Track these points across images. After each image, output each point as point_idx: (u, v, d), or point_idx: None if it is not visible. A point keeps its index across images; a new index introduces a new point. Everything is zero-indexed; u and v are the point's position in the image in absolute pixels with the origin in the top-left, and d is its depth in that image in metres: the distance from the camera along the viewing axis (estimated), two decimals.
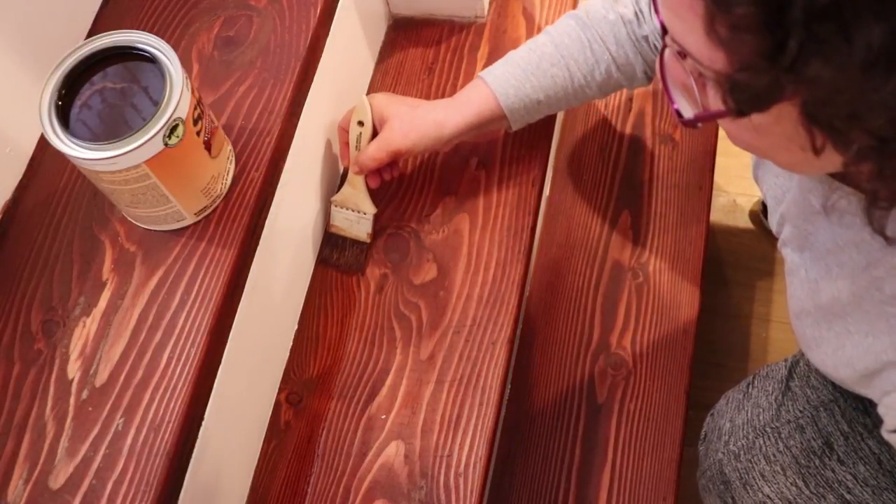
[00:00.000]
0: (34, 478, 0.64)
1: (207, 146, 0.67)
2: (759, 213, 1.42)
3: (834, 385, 0.81)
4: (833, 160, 0.47)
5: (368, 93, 1.06)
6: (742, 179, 1.47)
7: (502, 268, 0.92)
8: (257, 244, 0.76)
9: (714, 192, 1.30)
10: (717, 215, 1.44)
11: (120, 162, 0.61)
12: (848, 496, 0.77)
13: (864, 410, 0.79)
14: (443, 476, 0.83)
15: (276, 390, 0.91)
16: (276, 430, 0.89)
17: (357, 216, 0.93)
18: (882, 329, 0.59)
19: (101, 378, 0.67)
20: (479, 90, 0.87)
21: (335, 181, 1.00)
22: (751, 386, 0.87)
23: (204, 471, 0.73)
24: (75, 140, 0.61)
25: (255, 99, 0.76)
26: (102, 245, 0.72)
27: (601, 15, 0.85)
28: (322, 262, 0.96)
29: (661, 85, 0.58)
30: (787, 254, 0.71)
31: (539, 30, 1.06)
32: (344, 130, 0.91)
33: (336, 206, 0.94)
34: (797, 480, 0.80)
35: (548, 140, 0.99)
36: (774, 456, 0.83)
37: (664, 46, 0.52)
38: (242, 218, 0.71)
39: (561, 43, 0.85)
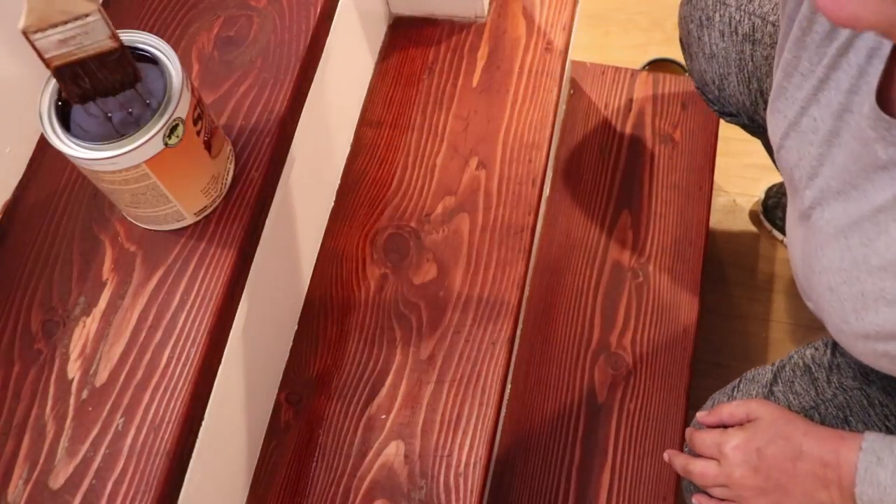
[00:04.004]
0: (34, 478, 0.64)
1: (207, 146, 0.67)
2: (759, 213, 1.42)
3: (817, 391, 0.82)
4: None
5: (368, 93, 1.06)
6: (742, 179, 1.47)
7: (502, 268, 0.92)
8: (257, 244, 0.76)
9: (714, 192, 1.30)
10: (717, 215, 1.44)
11: (120, 162, 0.61)
12: None
13: (843, 419, 0.79)
14: (443, 476, 0.83)
15: (276, 390, 0.91)
16: (276, 430, 0.89)
17: (80, 26, 0.57)
18: None
19: (101, 378, 0.67)
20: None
21: (335, 181, 1.00)
22: (735, 389, 0.87)
23: (204, 471, 0.73)
24: (75, 140, 0.61)
25: (255, 99, 0.76)
26: (102, 245, 0.72)
27: None
28: (79, 98, 0.61)
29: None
30: (819, 221, 0.69)
31: (539, 30, 1.06)
32: None
33: (33, 32, 0.56)
34: None
35: (548, 140, 0.99)
36: None
37: None
38: (242, 218, 0.71)
39: None
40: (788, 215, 0.80)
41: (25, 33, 0.56)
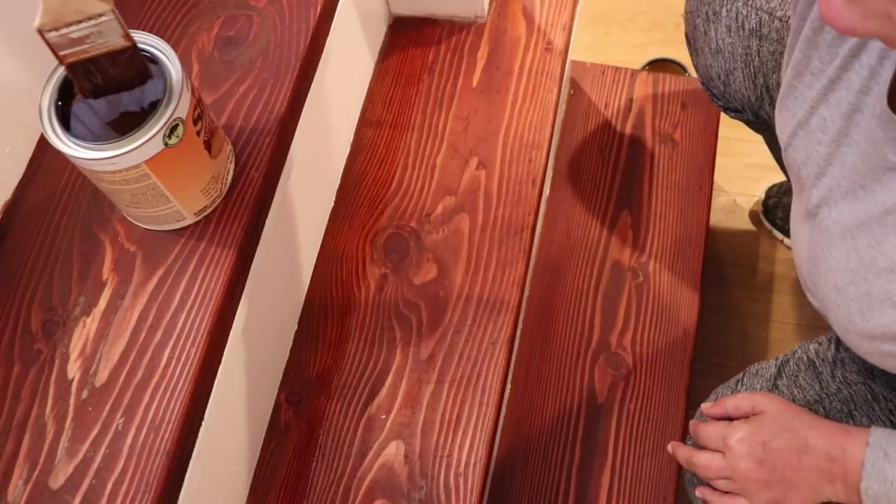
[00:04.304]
0: (34, 478, 0.64)
1: (207, 146, 0.67)
2: (760, 213, 1.42)
3: (821, 385, 0.82)
4: None
5: (368, 93, 1.06)
6: (742, 179, 1.47)
7: (502, 268, 0.92)
8: (257, 244, 0.76)
9: (714, 192, 1.30)
10: (717, 215, 1.44)
11: (120, 162, 0.61)
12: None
13: (848, 413, 0.79)
14: (443, 476, 0.83)
15: (276, 390, 0.91)
16: (276, 430, 0.89)
17: (94, 25, 0.58)
18: None
19: (101, 378, 0.67)
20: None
21: (335, 181, 1.00)
22: (739, 383, 0.87)
23: (204, 471, 0.73)
24: (75, 140, 0.61)
25: (255, 99, 0.76)
26: (102, 245, 0.72)
27: None
28: (90, 93, 0.62)
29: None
30: (826, 220, 0.69)
31: (539, 30, 1.06)
32: None
33: (48, 31, 0.58)
34: None
35: (548, 140, 0.99)
36: None
37: None
38: (242, 218, 0.71)
39: None
40: (793, 213, 0.80)
41: (40, 31, 0.57)
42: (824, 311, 0.74)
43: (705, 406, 0.85)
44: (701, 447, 0.82)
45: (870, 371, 0.81)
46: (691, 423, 0.86)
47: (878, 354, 0.69)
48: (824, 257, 0.70)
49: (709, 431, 0.81)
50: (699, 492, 0.83)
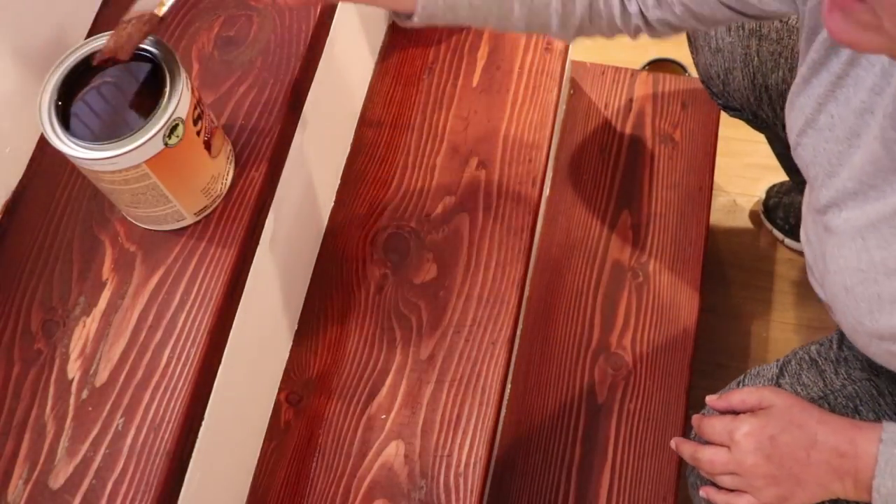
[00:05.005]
0: (34, 478, 0.64)
1: (207, 146, 0.67)
2: (760, 213, 1.42)
3: (825, 382, 0.81)
4: None
5: (368, 93, 1.06)
6: (742, 179, 1.47)
7: (502, 268, 0.92)
8: (257, 244, 0.76)
9: (714, 192, 1.30)
10: (717, 215, 1.44)
11: (120, 162, 0.61)
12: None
13: (854, 409, 0.79)
14: (443, 476, 0.83)
15: (276, 390, 0.90)
16: (276, 430, 0.89)
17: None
18: None
19: (101, 378, 0.67)
20: None
21: (335, 181, 1.00)
22: (741, 384, 0.87)
23: (204, 471, 0.73)
24: (75, 140, 0.61)
25: (255, 99, 0.76)
26: (102, 245, 0.72)
27: None
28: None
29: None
30: (835, 220, 0.68)
31: None
32: None
33: None
34: None
35: (548, 140, 0.99)
36: None
37: None
38: (242, 218, 0.71)
39: None
40: (804, 211, 0.79)
41: None
42: (832, 311, 0.73)
43: (710, 399, 0.83)
44: (705, 443, 0.81)
45: (874, 368, 0.81)
46: (694, 417, 0.84)
47: (887, 354, 0.69)
48: (833, 257, 0.69)
49: (714, 426, 0.79)
50: (703, 492, 0.81)
